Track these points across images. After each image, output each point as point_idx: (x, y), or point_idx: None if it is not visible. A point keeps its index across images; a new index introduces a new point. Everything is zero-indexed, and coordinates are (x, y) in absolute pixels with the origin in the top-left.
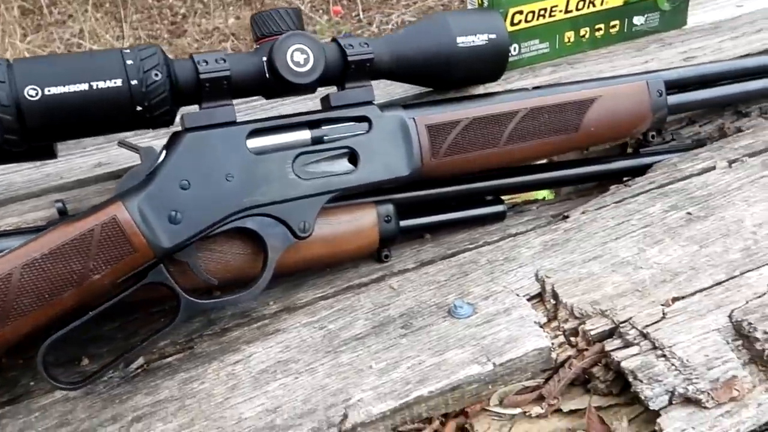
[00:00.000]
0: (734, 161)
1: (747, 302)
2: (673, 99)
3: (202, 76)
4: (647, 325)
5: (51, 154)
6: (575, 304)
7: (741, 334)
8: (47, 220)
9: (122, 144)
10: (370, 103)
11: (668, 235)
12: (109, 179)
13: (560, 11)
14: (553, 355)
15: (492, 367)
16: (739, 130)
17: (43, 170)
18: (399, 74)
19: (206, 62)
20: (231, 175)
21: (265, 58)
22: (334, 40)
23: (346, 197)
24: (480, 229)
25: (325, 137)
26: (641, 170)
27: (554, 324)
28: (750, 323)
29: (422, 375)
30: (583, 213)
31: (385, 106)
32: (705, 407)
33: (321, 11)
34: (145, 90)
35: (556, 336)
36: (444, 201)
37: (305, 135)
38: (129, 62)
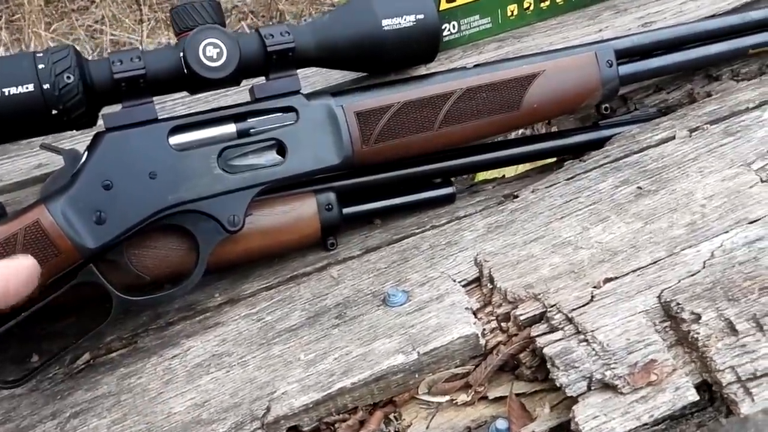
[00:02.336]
0: (695, 130)
1: (679, 281)
2: (625, 69)
3: (116, 76)
4: (573, 309)
5: None
6: (509, 288)
7: (669, 315)
8: None
9: (44, 147)
10: (296, 92)
11: (614, 212)
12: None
13: None
14: (483, 341)
15: (416, 357)
16: (708, 95)
17: None
18: (326, 61)
19: (121, 62)
20: (154, 173)
21: (181, 54)
22: (256, 30)
23: (283, 188)
24: (430, 212)
25: (251, 130)
26: (600, 143)
27: (488, 309)
28: (678, 303)
29: (347, 366)
30: (532, 192)
31: (312, 95)
32: (621, 393)
33: None
34: (58, 93)
35: (489, 322)
36: (390, 186)
37: (230, 129)
38: (41, 66)
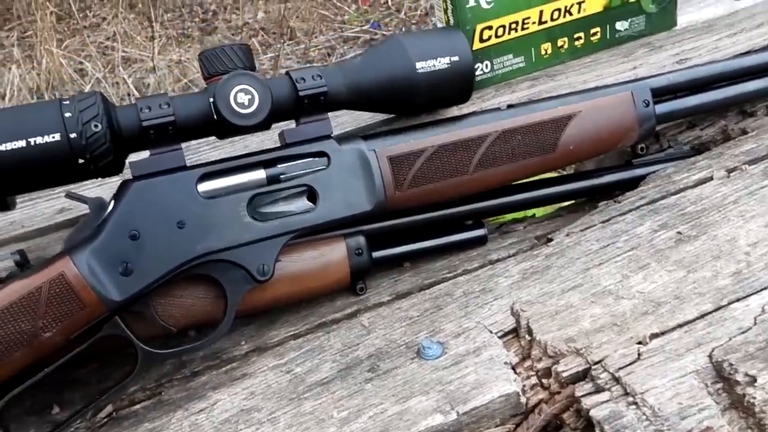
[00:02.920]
0: (733, 170)
1: (730, 339)
2: (662, 108)
3: (144, 123)
4: (620, 368)
5: (4, 207)
6: (549, 342)
7: (721, 376)
8: (10, 270)
9: (69, 196)
10: (327, 137)
11: (655, 259)
12: (70, 226)
13: (534, 23)
14: (523, 399)
15: (456, 417)
16: (743, 132)
17: (7, 218)
18: (358, 104)
19: (149, 108)
20: (182, 222)
21: (211, 100)
22: (287, 74)
23: (312, 233)
24: (461, 254)
25: (281, 176)
26: (634, 183)
27: (527, 363)
28: (731, 364)
29: (383, 426)
30: (567, 235)
31: (344, 138)
32: None
33: (349, 0)
34: (86, 142)
35: (529, 377)
36: (420, 229)
37: (260, 175)
38: (67, 115)
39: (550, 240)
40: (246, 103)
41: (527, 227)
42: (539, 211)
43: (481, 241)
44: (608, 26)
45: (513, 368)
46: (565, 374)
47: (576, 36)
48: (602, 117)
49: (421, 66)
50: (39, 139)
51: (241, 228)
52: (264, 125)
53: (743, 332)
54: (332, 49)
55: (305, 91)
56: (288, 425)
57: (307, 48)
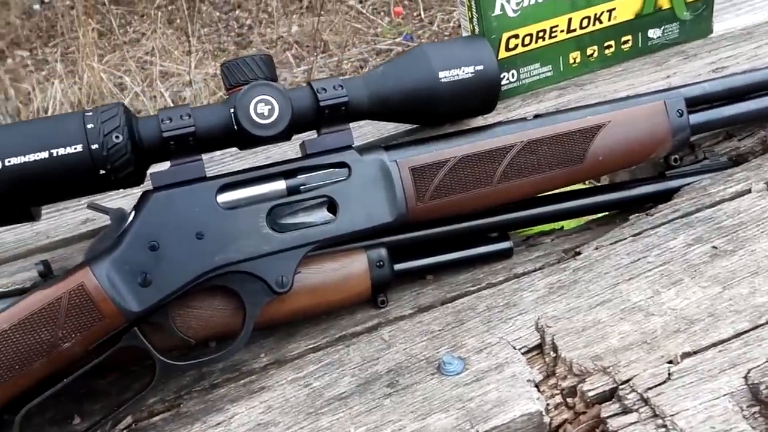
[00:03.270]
0: None
1: (767, 360)
2: (697, 118)
3: (165, 134)
4: (650, 388)
5: (29, 218)
6: (575, 359)
7: (758, 399)
8: (34, 281)
9: (91, 207)
10: (348, 147)
11: (688, 274)
12: (94, 236)
13: (562, 31)
14: (547, 418)
15: None
16: None
17: (34, 228)
18: (380, 115)
19: (170, 119)
20: (201, 234)
21: (232, 110)
22: (308, 84)
23: (333, 244)
24: (486, 267)
25: (301, 187)
26: (668, 195)
27: (552, 381)
28: None
29: None
30: (596, 249)
31: (365, 149)
32: None
33: (383, 13)
34: (107, 153)
35: (553, 396)
36: (443, 241)
37: (280, 186)
38: (89, 126)
39: (579, 253)
40: (266, 114)
41: (555, 240)
42: (568, 224)
43: (506, 254)
44: (640, 34)
45: (536, 386)
46: (591, 393)
47: (606, 44)
48: (633, 127)
49: (444, 75)
50: (61, 150)
51: (260, 239)
52: (284, 136)
53: None
54: (365, 61)
55: (326, 101)
56: None
57: (340, 60)
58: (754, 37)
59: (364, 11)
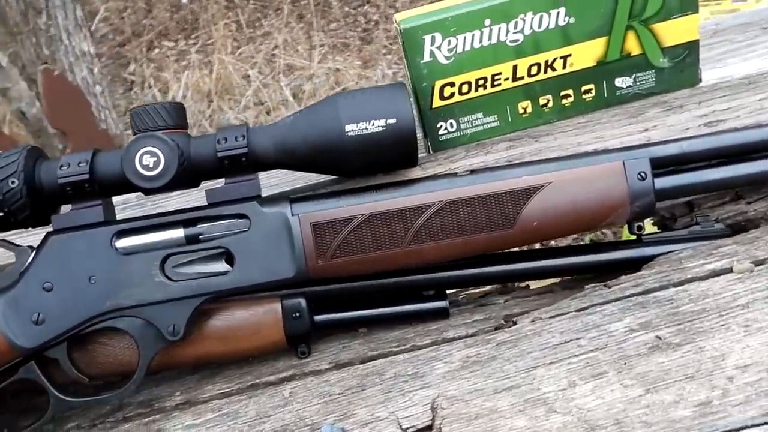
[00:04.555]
0: (762, 262)
1: None
2: (666, 182)
3: (60, 181)
4: None
5: None
6: None
7: None
8: None
9: (1, 243)
10: (251, 198)
11: (616, 367)
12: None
13: (506, 79)
14: None
15: None
16: None
17: None
18: (289, 165)
19: (68, 165)
20: (94, 278)
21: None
22: (214, 133)
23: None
24: (420, 326)
25: (200, 236)
26: (639, 264)
27: None
28: None
29: None
30: (532, 321)
31: (270, 200)
32: None
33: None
34: (2, 197)
35: None
36: (376, 294)
37: (178, 234)
38: None
39: (514, 323)
40: (151, 165)
41: (508, 301)
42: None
43: (442, 314)
44: (605, 83)
45: None
46: None
47: (563, 94)
48: (580, 190)
49: (351, 129)
50: None
51: (152, 287)
52: (171, 187)
53: None
54: None
55: (224, 151)
56: None
57: None
58: (759, 87)
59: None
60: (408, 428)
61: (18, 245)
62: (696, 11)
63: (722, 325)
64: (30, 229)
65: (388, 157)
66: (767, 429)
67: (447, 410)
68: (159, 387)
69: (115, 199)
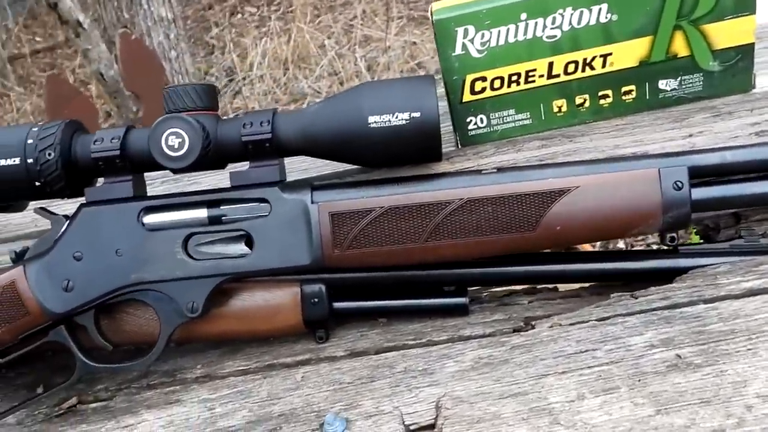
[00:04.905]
0: None
1: None
2: (705, 193)
3: (93, 155)
4: None
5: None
6: None
7: None
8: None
9: (38, 211)
10: (273, 183)
11: (629, 384)
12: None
13: (541, 76)
14: None
15: None
16: None
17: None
18: (313, 153)
19: (102, 140)
20: (120, 250)
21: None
22: (242, 116)
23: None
24: (439, 322)
25: (223, 217)
26: (672, 275)
27: None
28: None
29: None
30: (550, 327)
31: (292, 186)
32: None
33: None
34: (39, 168)
35: None
36: (398, 286)
37: (202, 214)
38: (29, 141)
39: (533, 327)
40: (176, 146)
41: (533, 303)
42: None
43: (461, 311)
44: (647, 84)
45: None
46: None
47: (601, 94)
48: (609, 196)
49: (374, 120)
50: (2, 161)
51: (174, 264)
52: (195, 168)
53: None
54: None
55: (248, 136)
56: None
57: None
58: None
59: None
60: (410, 425)
61: (54, 214)
62: (753, 12)
63: (749, 349)
64: (66, 199)
65: (411, 151)
66: None
67: (451, 410)
68: (183, 358)
69: (155, 174)
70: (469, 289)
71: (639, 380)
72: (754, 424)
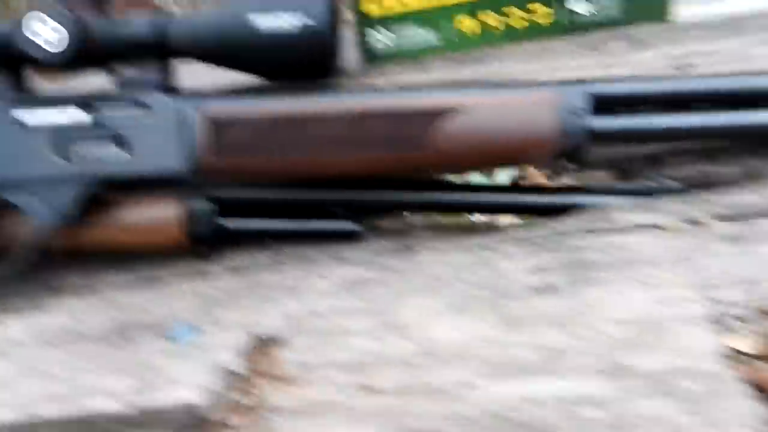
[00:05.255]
0: (697, 222)
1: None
2: (604, 122)
3: None
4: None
5: None
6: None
7: None
8: None
9: None
10: (156, 87)
11: (488, 305)
12: None
13: None
14: (207, 415)
15: (133, 411)
16: None
17: None
18: (200, 56)
19: None
20: None
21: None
22: (123, 17)
23: (149, 187)
24: (333, 246)
25: (99, 119)
26: (565, 212)
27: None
28: None
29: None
30: (430, 250)
31: (177, 93)
32: None
33: None
34: None
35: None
36: (286, 207)
37: (77, 113)
38: None
39: (411, 251)
40: (50, 39)
41: (423, 230)
42: None
43: (354, 236)
44: (557, 4)
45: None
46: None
47: (513, 14)
48: (500, 119)
49: (257, 19)
50: None
51: (46, 164)
52: (73, 64)
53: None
54: None
55: (133, 37)
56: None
57: None
58: (744, 30)
59: None
60: (262, 335)
61: None
62: None
63: (621, 277)
64: None
65: (304, 62)
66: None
67: (304, 324)
68: (68, 270)
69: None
70: (364, 215)
71: (498, 303)
72: (601, 344)
